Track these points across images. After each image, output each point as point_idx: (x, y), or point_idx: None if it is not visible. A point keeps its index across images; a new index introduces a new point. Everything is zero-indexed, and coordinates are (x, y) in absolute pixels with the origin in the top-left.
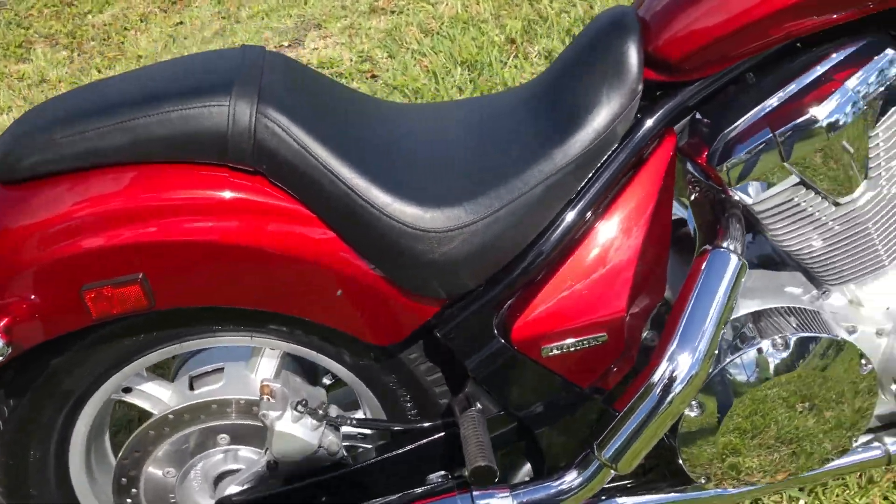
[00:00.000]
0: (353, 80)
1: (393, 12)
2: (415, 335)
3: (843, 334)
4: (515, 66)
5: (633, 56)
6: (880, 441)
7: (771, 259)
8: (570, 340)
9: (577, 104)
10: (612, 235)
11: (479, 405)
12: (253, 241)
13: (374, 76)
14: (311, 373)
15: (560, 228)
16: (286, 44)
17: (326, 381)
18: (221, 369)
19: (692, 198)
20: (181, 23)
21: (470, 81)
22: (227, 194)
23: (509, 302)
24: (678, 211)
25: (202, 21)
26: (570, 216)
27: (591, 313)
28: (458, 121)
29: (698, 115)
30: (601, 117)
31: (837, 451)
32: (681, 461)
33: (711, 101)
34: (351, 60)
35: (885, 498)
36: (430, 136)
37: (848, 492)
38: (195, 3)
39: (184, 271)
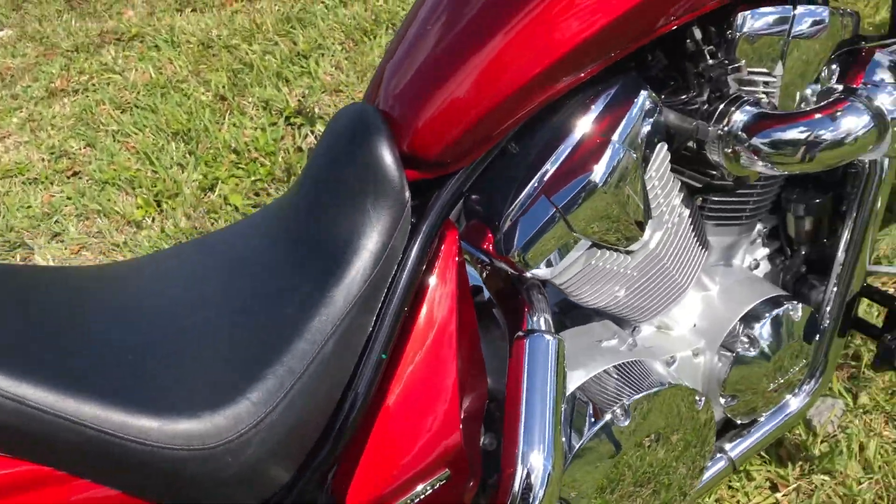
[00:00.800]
0: (52, 183)
1: (76, 91)
2: None
3: (667, 374)
4: (234, 125)
5: (390, 163)
6: (721, 451)
7: (572, 306)
8: (418, 488)
9: (344, 230)
10: (424, 356)
11: None
12: None
13: (76, 174)
14: None
15: (367, 371)
16: None
17: None
18: None
19: (484, 276)
20: None
21: (189, 153)
22: None
23: (333, 472)
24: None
25: None
26: (373, 354)
27: (428, 451)
28: (200, 276)
29: (470, 195)
30: (375, 238)
31: (694, 473)
32: None
33: (482, 180)
34: (43, 160)
35: (730, 486)
36: (174, 309)
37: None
38: None
39: None
